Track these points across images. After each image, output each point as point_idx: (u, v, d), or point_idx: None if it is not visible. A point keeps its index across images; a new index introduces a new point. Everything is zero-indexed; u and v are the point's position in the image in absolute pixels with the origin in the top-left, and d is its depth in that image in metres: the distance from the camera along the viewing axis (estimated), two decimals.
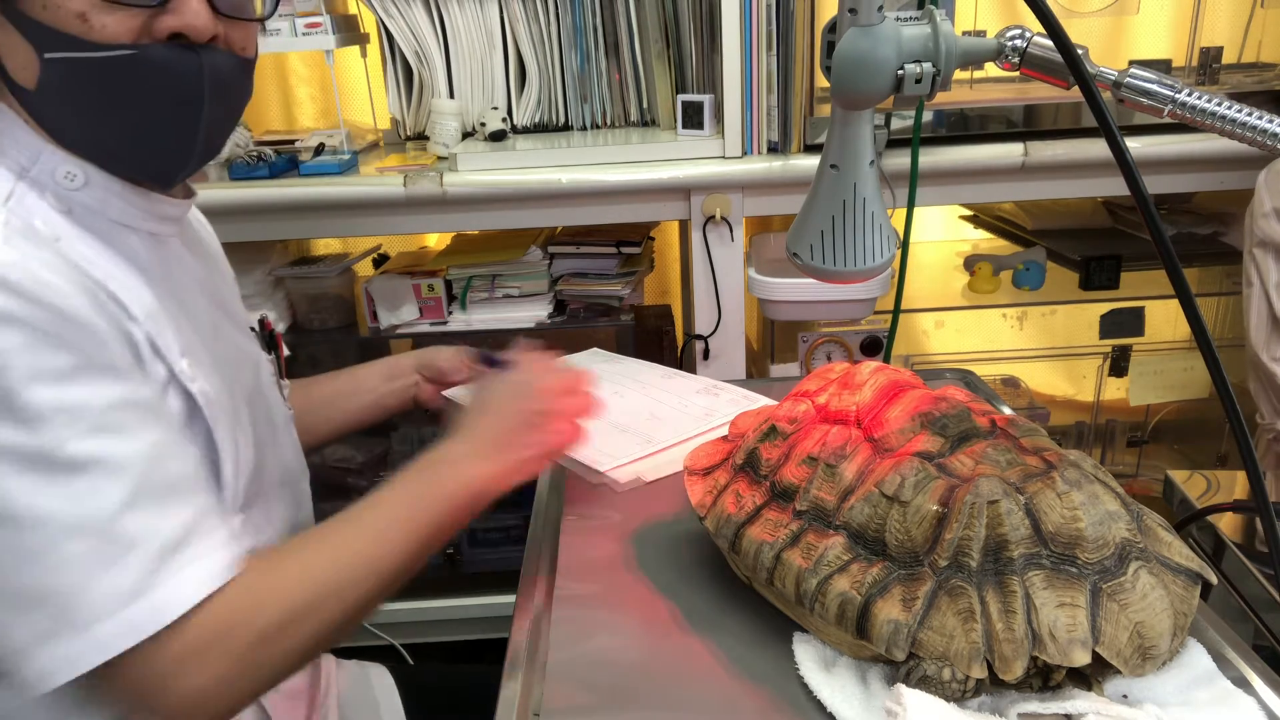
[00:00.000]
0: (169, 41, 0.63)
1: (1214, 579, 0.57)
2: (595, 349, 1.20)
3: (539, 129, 1.64)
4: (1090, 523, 0.54)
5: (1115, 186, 1.44)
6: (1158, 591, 0.54)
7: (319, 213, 1.42)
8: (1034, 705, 0.53)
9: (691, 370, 1.42)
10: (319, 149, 1.47)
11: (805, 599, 0.59)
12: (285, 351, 0.92)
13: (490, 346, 1.08)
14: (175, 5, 0.63)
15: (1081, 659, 0.51)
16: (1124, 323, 1.70)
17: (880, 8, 0.60)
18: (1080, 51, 0.56)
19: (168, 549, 0.58)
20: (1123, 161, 0.54)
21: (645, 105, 1.60)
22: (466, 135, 1.59)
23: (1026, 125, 1.42)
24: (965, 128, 1.42)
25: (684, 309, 1.83)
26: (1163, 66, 1.40)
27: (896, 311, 1.46)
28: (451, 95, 1.60)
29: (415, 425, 1.72)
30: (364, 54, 1.62)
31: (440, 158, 1.52)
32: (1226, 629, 0.63)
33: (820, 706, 0.57)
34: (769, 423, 0.68)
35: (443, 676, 1.06)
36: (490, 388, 0.80)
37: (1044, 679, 0.55)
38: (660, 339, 1.72)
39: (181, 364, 0.66)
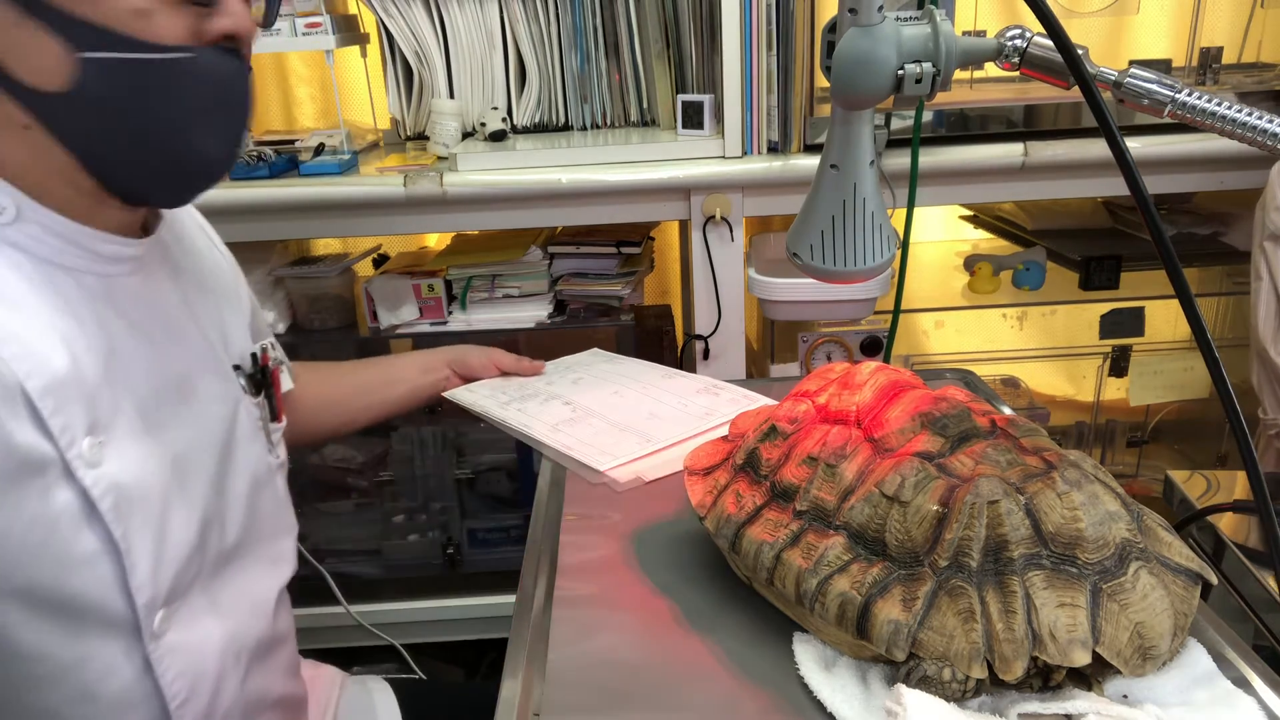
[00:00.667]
0: (217, 44, 0.60)
1: (1214, 579, 0.57)
2: (595, 349, 1.21)
3: (539, 129, 1.64)
4: (1090, 523, 0.54)
5: (1115, 186, 1.44)
6: (1158, 592, 0.54)
7: (319, 213, 1.42)
8: (1034, 705, 0.53)
9: (691, 370, 1.42)
10: (319, 149, 1.47)
11: (805, 599, 0.59)
12: (287, 385, 0.86)
13: (490, 346, 1.10)
14: (223, 6, 0.59)
15: (1081, 659, 0.51)
16: (1124, 323, 1.70)
17: (880, 8, 0.60)
18: (1080, 51, 0.56)
19: None
20: (1123, 161, 0.54)
21: (645, 105, 1.60)
22: (466, 135, 1.59)
23: (1026, 125, 1.42)
24: (965, 128, 1.42)
25: (684, 309, 1.83)
26: (1163, 66, 1.40)
27: (896, 311, 1.46)
28: (451, 95, 1.60)
29: (415, 425, 1.72)
30: (364, 54, 1.62)
31: (440, 158, 1.52)
32: (1226, 629, 0.63)
33: (820, 706, 0.57)
34: (769, 423, 0.68)
35: (445, 692, 1.06)
36: None
37: (1044, 679, 0.55)
38: (660, 339, 1.72)
39: (82, 446, 0.58)
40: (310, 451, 1.73)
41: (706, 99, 1.44)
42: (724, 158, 1.40)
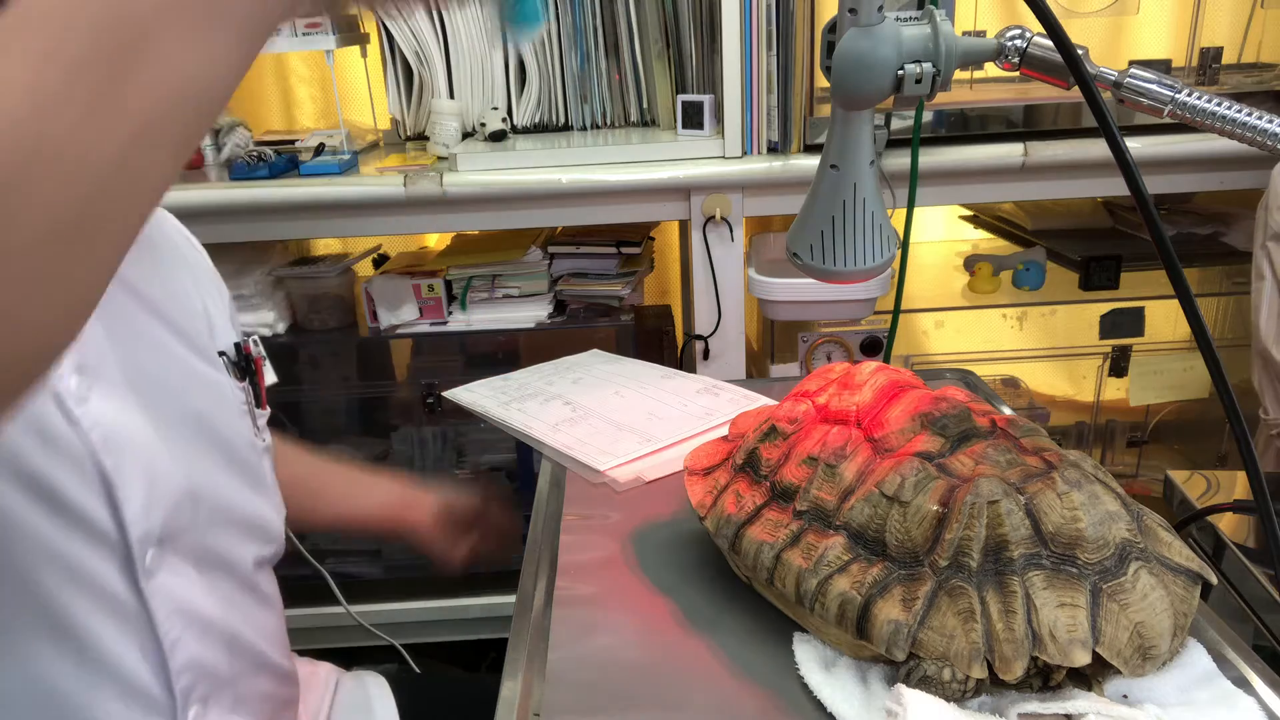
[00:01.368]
0: None
1: (1214, 579, 0.57)
2: (595, 350, 1.21)
3: (539, 129, 1.64)
4: (1090, 523, 0.54)
5: (1115, 186, 1.44)
6: (1158, 592, 0.54)
7: (319, 213, 1.42)
8: (1034, 705, 0.53)
9: (691, 370, 1.42)
10: (319, 149, 1.47)
11: (805, 599, 0.59)
12: (270, 379, 0.86)
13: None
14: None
15: (1081, 659, 0.51)
16: (1124, 323, 1.70)
17: (880, 8, 0.60)
18: (1080, 51, 0.56)
19: None
20: (1123, 161, 0.54)
21: (645, 105, 1.60)
22: (466, 135, 1.59)
23: (1026, 125, 1.42)
24: (965, 128, 1.42)
25: (684, 309, 1.83)
26: (1163, 66, 1.40)
27: (896, 311, 1.46)
28: (451, 95, 1.61)
29: (415, 425, 1.73)
30: (364, 54, 1.62)
31: (440, 158, 1.52)
32: (1226, 629, 0.63)
33: (820, 706, 0.57)
34: (769, 423, 0.68)
35: (443, 686, 1.06)
36: None
37: (1044, 679, 0.55)
38: (660, 339, 1.72)
39: (70, 381, 0.58)
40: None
41: (706, 99, 1.44)
42: (724, 158, 1.40)
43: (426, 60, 1.59)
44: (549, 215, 1.45)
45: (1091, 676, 0.55)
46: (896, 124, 1.36)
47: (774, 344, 1.67)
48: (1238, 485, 0.99)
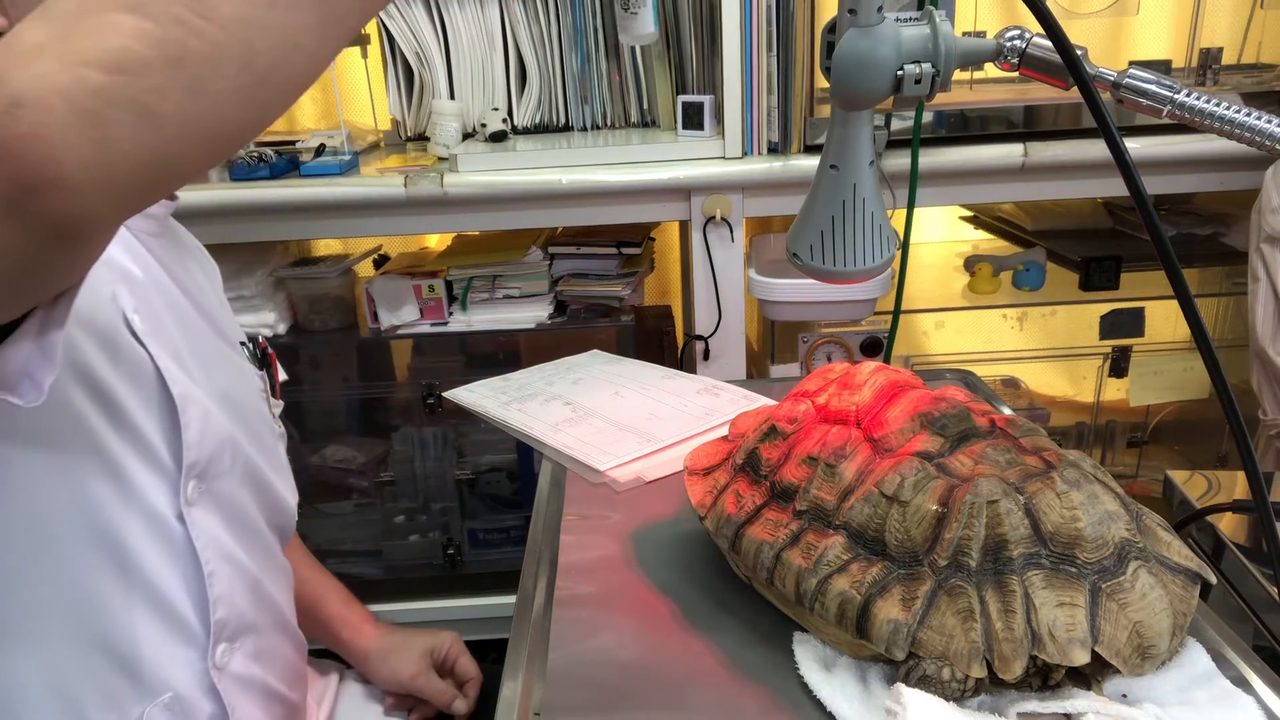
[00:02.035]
0: None
1: (1213, 579, 0.57)
2: (595, 350, 1.21)
3: (539, 130, 1.64)
4: (1090, 522, 0.55)
5: (1115, 187, 1.44)
6: (1157, 591, 0.54)
7: (319, 213, 1.42)
8: (1033, 705, 0.53)
9: (691, 370, 1.42)
10: (320, 150, 1.47)
11: (805, 599, 0.59)
12: (282, 376, 0.88)
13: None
14: None
15: (1081, 658, 0.51)
16: (1124, 323, 1.70)
17: (880, 8, 0.60)
18: (1080, 52, 0.56)
19: None
20: (1122, 162, 0.54)
21: (645, 106, 1.60)
22: (467, 136, 1.59)
23: (1026, 126, 1.42)
24: (965, 128, 1.42)
25: (684, 309, 1.83)
26: (1162, 67, 1.40)
27: (896, 312, 1.46)
28: (452, 96, 1.61)
29: (415, 426, 1.73)
30: (364, 55, 1.62)
31: (441, 158, 1.52)
32: (1226, 629, 0.63)
33: (820, 706, 0.57)
34: (769, 423, 0.68)
35: None
36: None
37: (1043, 678, 0.55)
38: (660, 339, 1.72)
39: (135, 319, 0.63)
40: (310, 452, 1.73)
41: (707, 99, 1.44)
42: (724, 158, 1.40)
43: (427, 61, 1.59)
44: (549, 216, 1.45)
45: (1091, 676, 0.55)
46: (896, 124, 1.36)
47: (774, 344, 1.67)
48: (1237, 485, 1.00)
